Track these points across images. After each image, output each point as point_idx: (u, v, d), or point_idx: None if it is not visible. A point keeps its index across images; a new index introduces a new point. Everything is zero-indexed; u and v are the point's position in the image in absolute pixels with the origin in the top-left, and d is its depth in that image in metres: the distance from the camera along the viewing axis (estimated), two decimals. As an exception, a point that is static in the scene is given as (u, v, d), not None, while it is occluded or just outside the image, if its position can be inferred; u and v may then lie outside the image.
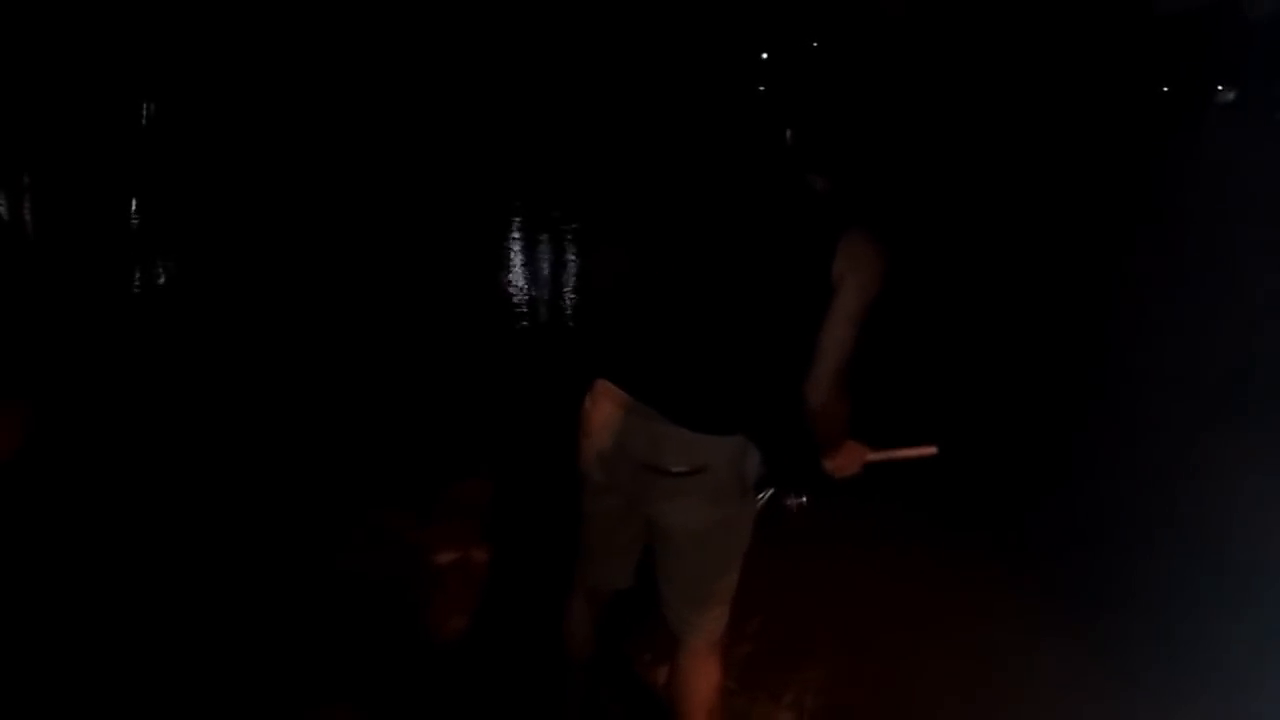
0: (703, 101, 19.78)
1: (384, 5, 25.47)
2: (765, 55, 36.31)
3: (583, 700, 2.26)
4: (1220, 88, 59.35)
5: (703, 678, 2.00)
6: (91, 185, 8.65)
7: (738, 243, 1.76)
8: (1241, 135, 32.79)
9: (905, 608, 2.99)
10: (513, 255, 7.74)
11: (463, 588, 2.86)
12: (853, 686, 2.61)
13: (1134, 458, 4.30)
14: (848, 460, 1.94)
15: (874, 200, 1.93)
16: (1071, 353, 5.86)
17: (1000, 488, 3.81)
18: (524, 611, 2.65)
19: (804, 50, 37.52)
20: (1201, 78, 57.41)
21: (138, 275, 6.27)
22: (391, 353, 4.81)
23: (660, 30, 31.61)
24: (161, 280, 6.31)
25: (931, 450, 2.03)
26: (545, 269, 7.36)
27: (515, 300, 6.39)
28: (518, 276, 7.14)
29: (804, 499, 1.92)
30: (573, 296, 6.57)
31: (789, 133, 1.88)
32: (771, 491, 1.91)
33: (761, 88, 26.22)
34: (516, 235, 8.33)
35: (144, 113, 14.06)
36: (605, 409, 1.86)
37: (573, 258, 7.69)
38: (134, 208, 8.24)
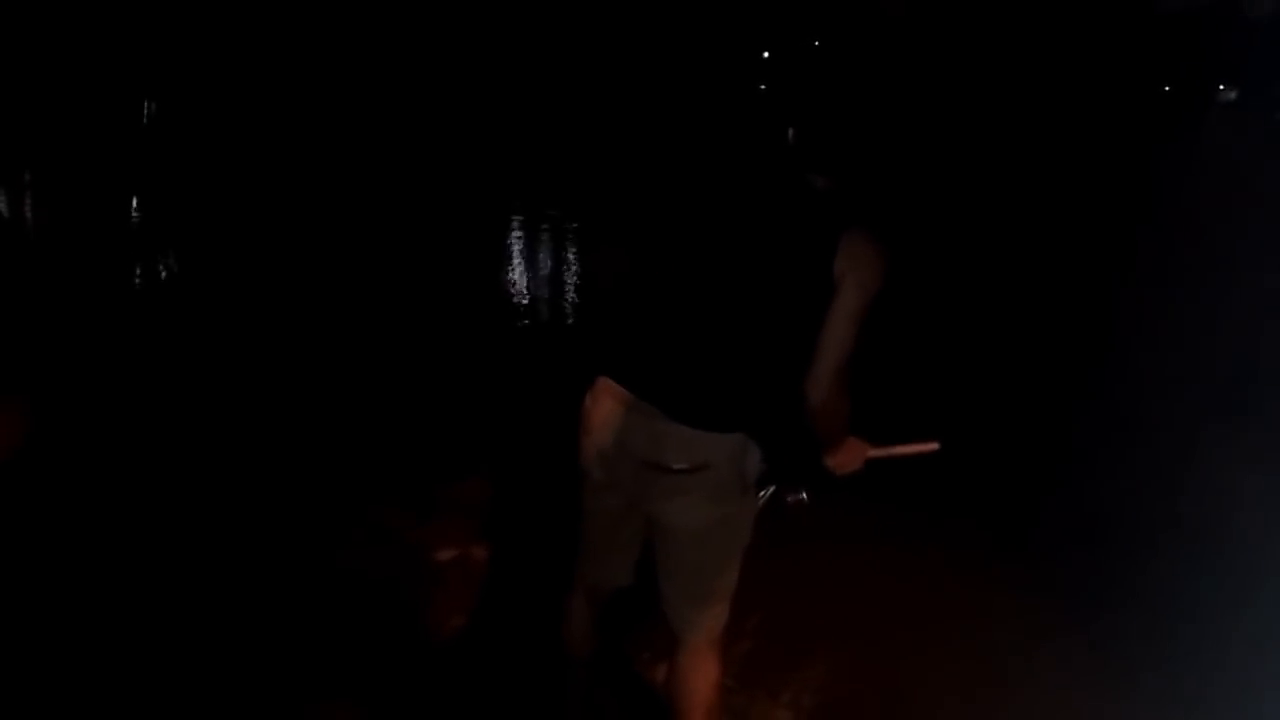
0: (704, 100, 19.77)
1: (384, 5, 25.45)
2: (766, 54, 36.27)
3: (582, 698, 2.27)
4: (1221, 87, 59.32)
5: (702, 675, 2.00)
6: (92, 183, 8.64)
7: (739, 241, 1.77)
8: (1241, 135, 32.78)
9: (905, 607, 2.99)
10: (513, 254, 7.73)
11: (463, 586, 2.87)
12: (852, 685, 2.61)
13: (1134, 458, 4.30)
14: (849, 457, 1.94)
15: (875, 199, 1.94)
16: (1072, 352, 5.85)
17: (1001, 487, 3.82)
18: (524, 610, 2.65)
19: (805, 49, 37.52)
20: (1202, 77, 57.34)
21: (138, 273, 6.27)
22: (391, 351, 4.80)
23: (661, 29, 31.60)
24: (162, 278, 6.31)
25: (933, 446, 2.03)
26: (545, 268, 7.35)
27: (515, 299, 6.39)
28: (518, 275, 7.13)
29: (805, 496, 1.92)
30: (573, 295, 6.56)
31: (790, 132, 1.88)
32: (772, 489, 1.91)
33: (763, 87, 26.22)
34: (516, 234, 8.33)
35: (145, 111, 14.05)
36: (606, 406, 1.86)
37: (573, 256, 7.69)
38: (135, 205, 8.23)
